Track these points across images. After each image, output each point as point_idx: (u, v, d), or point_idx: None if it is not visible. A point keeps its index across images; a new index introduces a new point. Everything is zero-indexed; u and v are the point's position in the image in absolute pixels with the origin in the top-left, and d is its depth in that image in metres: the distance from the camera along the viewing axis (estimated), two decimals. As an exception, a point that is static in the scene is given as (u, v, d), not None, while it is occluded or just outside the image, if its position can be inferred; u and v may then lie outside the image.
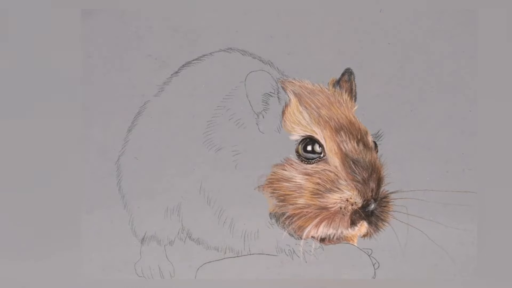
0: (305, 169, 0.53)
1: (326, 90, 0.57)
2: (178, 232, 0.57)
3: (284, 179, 0.54)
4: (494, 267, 0.57)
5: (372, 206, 0.53)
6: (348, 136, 0.53)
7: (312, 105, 0.55)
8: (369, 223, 0.53)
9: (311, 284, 0.57)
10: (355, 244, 0.57)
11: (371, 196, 0.53)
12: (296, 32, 0.59)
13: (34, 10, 0.59)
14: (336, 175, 0.53)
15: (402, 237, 0.56)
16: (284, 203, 0.54)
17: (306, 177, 0.53)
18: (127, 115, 0.58)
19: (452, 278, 0.57)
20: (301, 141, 0.54)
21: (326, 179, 0.53)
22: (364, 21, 0.59)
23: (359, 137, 0.54)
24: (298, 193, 0.53)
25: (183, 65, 0.59)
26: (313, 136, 0.54)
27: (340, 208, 0.52)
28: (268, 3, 0.59)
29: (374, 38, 0.59)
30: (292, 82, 0.57)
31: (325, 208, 0.52)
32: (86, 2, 0.59)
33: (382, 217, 0.54)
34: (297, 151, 0.54)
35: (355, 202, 0.52)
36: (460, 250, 0.57)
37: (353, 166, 0.53)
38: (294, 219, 0.53)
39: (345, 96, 0.57)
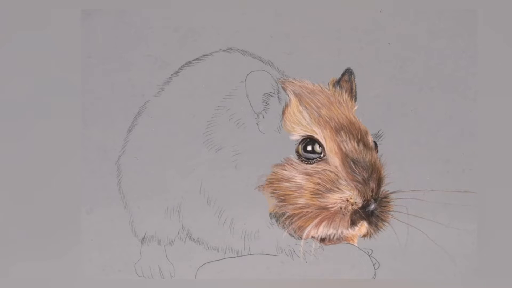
0: (305, 169, 0.53)
1: (326, 90, 0.57)
2: (178, 232, 0.57)
3: (284, 179, 0.54)
4: (494, 267, 0.57)
5: (372, 206, 0.53)
6: (348, 136, 0.53)
7: (312, 105, 0.55)
8: (369, 223, 0.53)
9: (311, 284, 0.57)
10: (355, 244, 0.57)
11: (371, 196, 0.53)
12: (296, 32, 0.59)
13: (34, 10, 0.59)
14: (336, 175, 0.53)
15: (402, 237, 0.56)
16: (284, 203, 0.54)
17: (306, 177, 0.53)
18: (127, 115, 0.58)
19: (452, 278, 0.57)
20: (301, 141, 0.54)
21: (326, 179, 0.53)
22: (364, 21, 0.59)
23: (359, 137, 0.54)
24: (298, 193, 0.53)
25: (183, 65, 0.59)
26: (313, 136, 0.54)
27: (340, 208, 0.52)
28: (268, 3, 0.59)
29: (374, 38, 0.59)
30: (292, 82, 0.57)
31: (325, 208, 0.52)
32: (86, 2, 0.59)
33: (382, 217, 0.54)
34: (297, 151, 0.54)
35: (355, 202, 0.52)
36: (460, 250, 0.57)
37: (353, 166, 0.53)
38: (294, 219, 0.53)
39: (345, 96, 0.57)
